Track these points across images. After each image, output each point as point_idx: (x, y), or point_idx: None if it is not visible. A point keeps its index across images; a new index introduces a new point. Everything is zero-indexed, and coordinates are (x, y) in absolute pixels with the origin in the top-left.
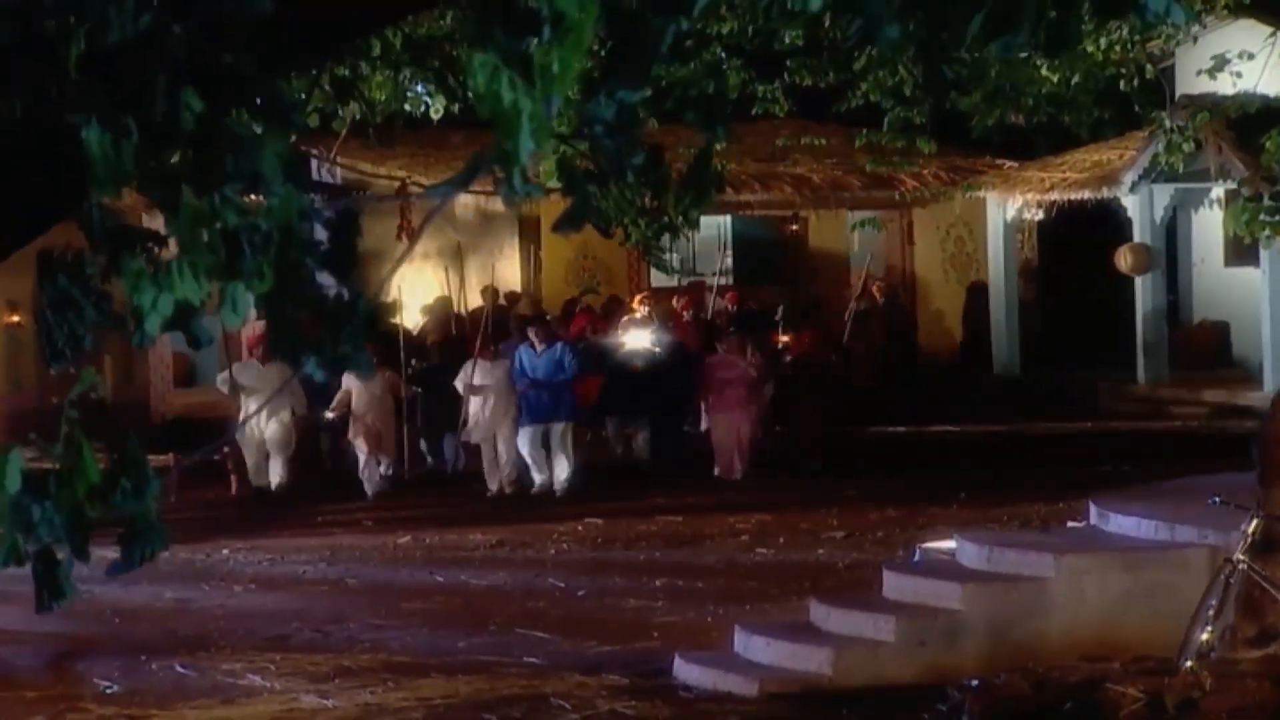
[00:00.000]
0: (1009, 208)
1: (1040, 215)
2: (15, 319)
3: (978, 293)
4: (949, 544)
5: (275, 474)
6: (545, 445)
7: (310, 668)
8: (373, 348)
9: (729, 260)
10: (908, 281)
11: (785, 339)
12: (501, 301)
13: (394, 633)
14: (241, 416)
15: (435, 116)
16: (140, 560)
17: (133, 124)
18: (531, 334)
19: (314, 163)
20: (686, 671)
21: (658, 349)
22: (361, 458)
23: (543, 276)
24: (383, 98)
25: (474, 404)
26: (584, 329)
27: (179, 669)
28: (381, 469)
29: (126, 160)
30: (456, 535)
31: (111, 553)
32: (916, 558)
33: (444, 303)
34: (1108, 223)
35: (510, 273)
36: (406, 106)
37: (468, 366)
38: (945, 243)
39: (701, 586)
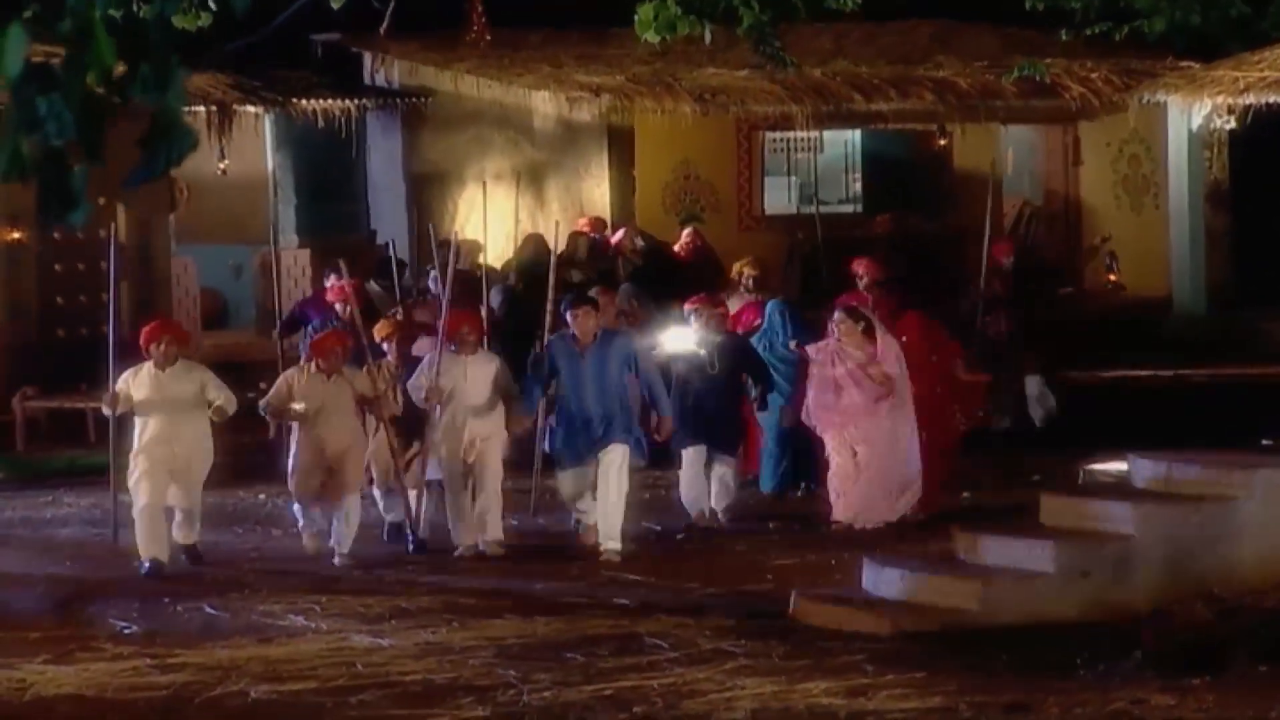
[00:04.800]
0: (1194, 115)
1: (1232, 124)
2: (16, 235)
3: None
4: (1119, 465)
5: (180, 532)
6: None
7: (361, 609)
8: (338, 337)
9: (858, 185)
10: (1071, 208)
11: None
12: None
13: (459, 576)
14: (132, 454)
15: None
16: (165, 164)
17: None
18: (571, 318)
19: (367, 64)
20: (806, 610)
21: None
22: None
23: (636, 200)
24: None
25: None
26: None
27: (208, 610)
28: (345, 520)
29: None
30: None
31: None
32: (1081, 480)
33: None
34: None
35: (598, 195)
36: None
37: (428, 361)
38: (1117, 162)
39: (825, 530)
